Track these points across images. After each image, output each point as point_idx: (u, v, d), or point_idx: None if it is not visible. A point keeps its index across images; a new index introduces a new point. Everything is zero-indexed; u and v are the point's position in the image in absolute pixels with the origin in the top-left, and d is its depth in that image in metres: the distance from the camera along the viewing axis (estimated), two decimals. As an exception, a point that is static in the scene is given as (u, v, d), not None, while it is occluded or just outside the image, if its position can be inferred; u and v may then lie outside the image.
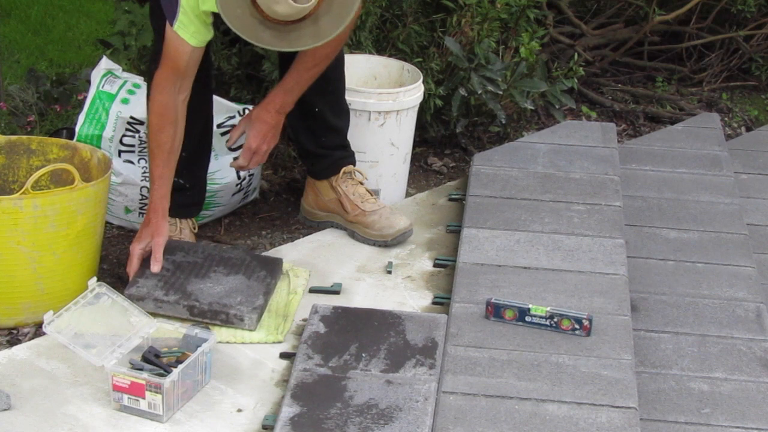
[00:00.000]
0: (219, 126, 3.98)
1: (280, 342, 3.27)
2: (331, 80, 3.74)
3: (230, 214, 4.07)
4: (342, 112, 3.86)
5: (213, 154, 3.98)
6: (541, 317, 3.25)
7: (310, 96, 3.61)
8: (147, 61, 3.69)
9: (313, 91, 3.63)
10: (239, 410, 2.98)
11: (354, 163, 3.88)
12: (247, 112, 3.86)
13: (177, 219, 3.70)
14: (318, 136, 3.81)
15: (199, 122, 3.64)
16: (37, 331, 3.29)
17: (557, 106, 4.79)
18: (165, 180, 3.43)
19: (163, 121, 3.38)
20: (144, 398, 2.90)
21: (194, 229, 3.78)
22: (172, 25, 3.25)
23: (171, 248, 3.53)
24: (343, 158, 3.85)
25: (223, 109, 4.00)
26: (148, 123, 3.43)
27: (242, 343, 3.25)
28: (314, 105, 3.72)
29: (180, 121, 3.40)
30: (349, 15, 3.20)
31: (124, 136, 3.86)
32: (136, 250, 3.43)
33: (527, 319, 3.26)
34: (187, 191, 3.69)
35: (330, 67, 3.60)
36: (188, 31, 3.26)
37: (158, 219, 3.44)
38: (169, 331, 3.11)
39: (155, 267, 3.40)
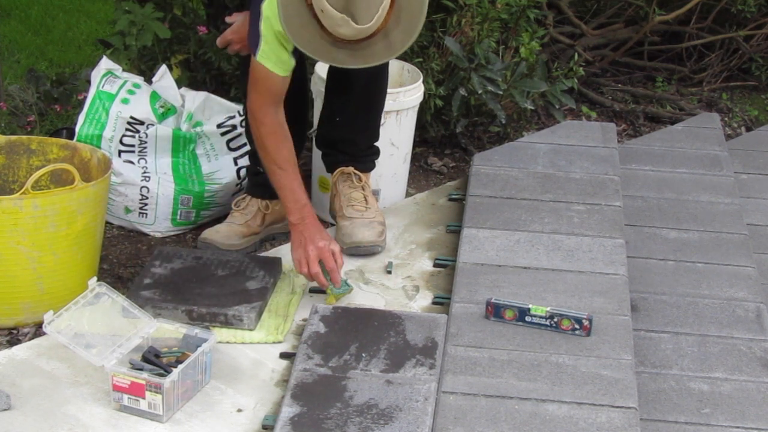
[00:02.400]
0: (219, 126, 3.99)
1: (280, 342, 3.27)
2: (373, 99, 3.79)
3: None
4: (369, 129, 3.87)
5: (213, 153, 3.99)
6: (541, 317, 3.25)
7: (335, 103, 3.64)
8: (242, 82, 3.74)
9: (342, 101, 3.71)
10: (239, 410, 2.98)
11: (360, 168, 3.85)
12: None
13: (257, 199, 3.79)
14: (333, 133, 3.83)
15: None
16: (37, 331, 3.29)
17: (557, 106, 4.79)
18: (303, 189, 3.48)
19: (279, 140, 3.42)
20: (144, 398, 2.90)
21: (266, 209, 3.84)
22: (255, 56, 3.31)
23: (168, 255, 3.53)
24: (346, 160, 3.85)
25: (223, 109, 4.01)
26: (262, 146, 3.44)
27: (242, 343, 3.25)
28: (334, 113, 3.75)
29: (288, 134, 3.46)
30: (418, 26, 3.24)
31: (124, 136, 3.86)
32: (314, 270, 3.42)
33: (527, 319, 3.26)
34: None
35: (376, 86, 3.73)
36: (271, 61, 3.31)
37: (319, 226, 3.48)
38: (169, 331, 3.11)
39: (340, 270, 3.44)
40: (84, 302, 3.11)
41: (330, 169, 3.88)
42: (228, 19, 3.73)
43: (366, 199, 3.81)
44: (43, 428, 2.86)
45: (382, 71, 3.73)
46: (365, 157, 3.87)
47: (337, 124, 3.79)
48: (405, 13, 3.21)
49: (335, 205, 3.83)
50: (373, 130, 3.87)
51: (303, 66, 3.71)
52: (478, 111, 4.64)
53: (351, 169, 3.84)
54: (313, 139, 4.08)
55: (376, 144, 3.89)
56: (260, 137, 3.43)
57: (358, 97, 3.75)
